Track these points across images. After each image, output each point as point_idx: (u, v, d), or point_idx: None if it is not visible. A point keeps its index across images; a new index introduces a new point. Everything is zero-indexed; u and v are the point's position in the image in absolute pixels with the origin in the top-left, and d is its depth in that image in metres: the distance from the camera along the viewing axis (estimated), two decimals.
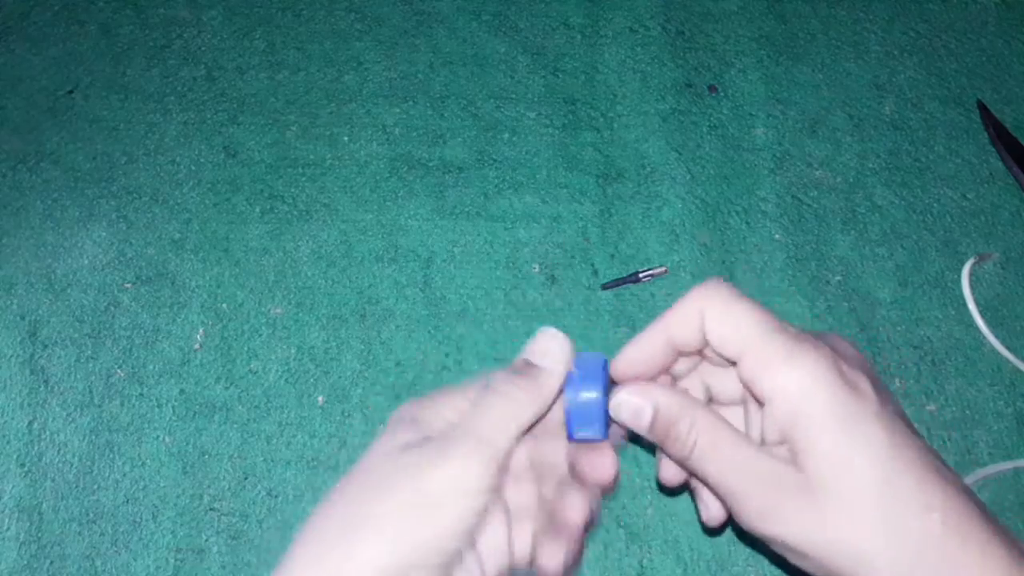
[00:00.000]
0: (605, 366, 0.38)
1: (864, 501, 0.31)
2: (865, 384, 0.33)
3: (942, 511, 0.31)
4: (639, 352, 0.37)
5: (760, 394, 0.33)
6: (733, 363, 0.35)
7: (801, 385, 0.32)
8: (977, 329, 0.52)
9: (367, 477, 0.34)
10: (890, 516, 0.31)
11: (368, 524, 0.33)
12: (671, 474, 0.39)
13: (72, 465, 0.50)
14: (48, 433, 0.51)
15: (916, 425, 0.50)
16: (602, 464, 0.38)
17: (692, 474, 0.37)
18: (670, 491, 0.39)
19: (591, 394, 0.37)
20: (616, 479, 0.39)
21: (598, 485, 0.39)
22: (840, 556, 0.31)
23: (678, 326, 0.36)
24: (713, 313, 0.35)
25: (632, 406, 0.36)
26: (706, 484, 0.36)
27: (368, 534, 0.32)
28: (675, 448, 0.35)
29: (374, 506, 0.33)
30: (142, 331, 0.53)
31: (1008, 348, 0.51)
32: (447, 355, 0.52)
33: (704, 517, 0.39)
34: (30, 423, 0.51)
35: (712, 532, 0.47)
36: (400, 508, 0.33)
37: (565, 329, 0.52)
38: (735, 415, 0.38)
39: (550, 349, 0.37)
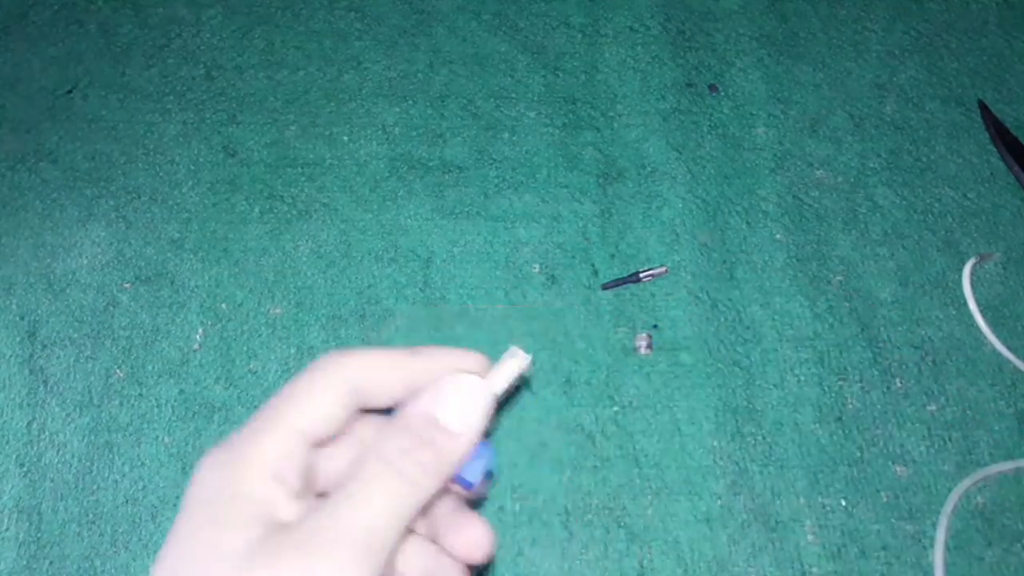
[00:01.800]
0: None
1: None
2: None
3: None
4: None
5: None
6: None
7: None
8: (978, 329, 0.52)
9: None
10: None
11: None
12: None
13: (71, 465, 0.50)
14: (47, 433, 0.51)
15: (917, 425, 0.50)
16: (475, 539, 0.32)
17: None
18: None
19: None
20: (490, 555, 0.33)
21: (470, 560, 0.33)
22: None
23: None
24: None
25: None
26: None
27: None
28: None
29: None
30: (141, 331, 0.53)
31: (1009, 348, 0.51)
32: None
33: None
34: (29, 423, 0.51)
35: None
36: None
37: (565, 329, 0.52)
38: None
39: (465, 406, 0.31)
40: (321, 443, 0.31)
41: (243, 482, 0.29)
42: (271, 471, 0.29)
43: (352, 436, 0.33)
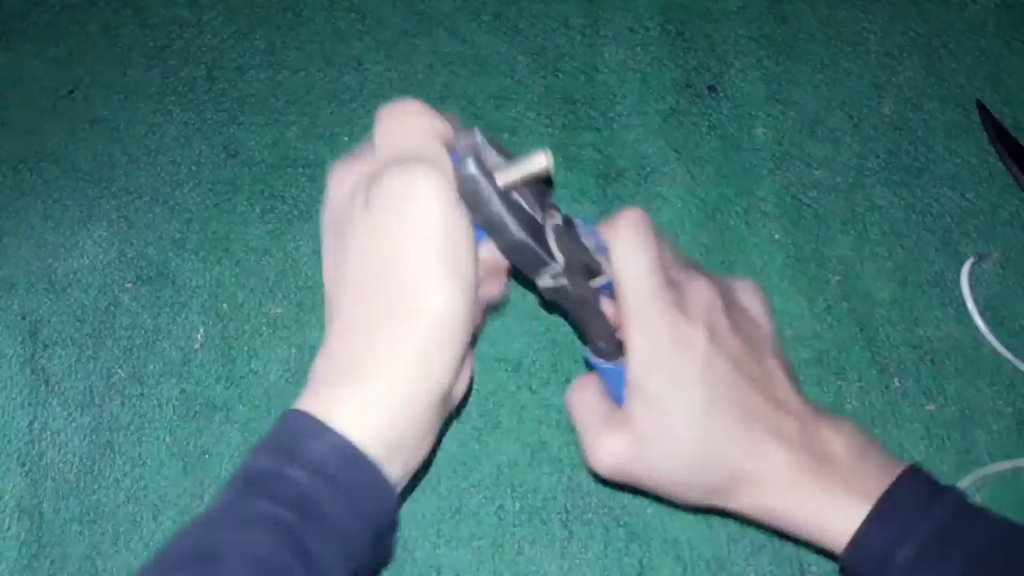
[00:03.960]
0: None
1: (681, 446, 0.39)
2: (700, 336, 0.39)
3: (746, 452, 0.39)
4: None
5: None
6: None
7: (641, 347, 0.39)
8: (976, 329, 0.52)
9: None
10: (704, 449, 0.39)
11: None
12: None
13: (73, 465, 0.50)
14: (49, 433, 0.51)
15: (915, 425, 0.50)
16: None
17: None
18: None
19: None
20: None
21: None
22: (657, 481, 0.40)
23: None
24: (626, 240, 0.41)
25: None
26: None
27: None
28: None
29: None
30: (142, 331, 0.53)
31: (1007, 348, 0.51)
32: None
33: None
34: (31, 423, 0.51)
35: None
36: None
37: (565, 328, 0.52)
38: None
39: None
40: None
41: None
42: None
43: None
